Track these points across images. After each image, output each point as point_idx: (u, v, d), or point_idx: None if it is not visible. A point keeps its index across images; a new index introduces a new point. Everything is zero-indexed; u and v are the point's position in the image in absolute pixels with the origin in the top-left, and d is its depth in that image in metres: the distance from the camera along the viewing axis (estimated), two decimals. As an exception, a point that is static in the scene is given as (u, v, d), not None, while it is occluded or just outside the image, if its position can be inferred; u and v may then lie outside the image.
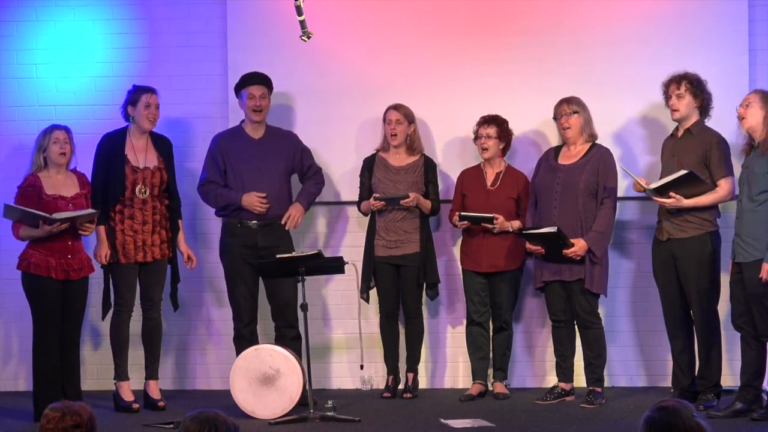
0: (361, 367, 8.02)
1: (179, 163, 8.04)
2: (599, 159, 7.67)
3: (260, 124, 7.94)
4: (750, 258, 7.00)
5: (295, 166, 8.01)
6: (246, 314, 7.87)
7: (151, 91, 7.75)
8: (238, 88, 7.95)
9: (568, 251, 7.50)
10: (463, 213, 7.85)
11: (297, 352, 7.52)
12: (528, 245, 7.68)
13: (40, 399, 7.27)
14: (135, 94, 7.74)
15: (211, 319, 8.55)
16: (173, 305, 7.90)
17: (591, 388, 7.66)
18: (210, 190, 7.92)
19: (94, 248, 7.63)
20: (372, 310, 8.31)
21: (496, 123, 7.93)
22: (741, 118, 7.12)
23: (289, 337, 7.80)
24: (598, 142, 7.80)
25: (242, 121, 8.02)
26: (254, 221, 7.84)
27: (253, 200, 7.79)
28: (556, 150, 7.88)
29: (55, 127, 7.49)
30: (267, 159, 7.89)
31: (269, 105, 7.96)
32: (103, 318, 7.77)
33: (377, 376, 8.39)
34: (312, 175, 8.04)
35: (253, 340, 7.83)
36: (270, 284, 7.85)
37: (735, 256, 7.13)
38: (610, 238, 7.75)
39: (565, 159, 7.77)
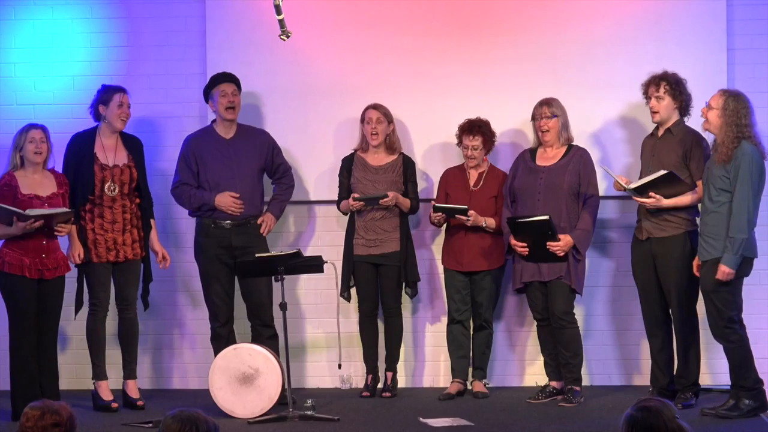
0: (339, 366, 8.02)
1: (155, 163, 8.02)
2: (579, 160, 7.68)
3: (232, 123, 7.90)
4: (708, 256, 7.05)
5: (266, 165, 7.99)
6: (222, 314, 7.86)
7: (122, 90, 7.72)
8: (208, 90, 7.90)
9: (553, 244, 7.51)
10: (437, 204, 7.84)
11: (274, 351, 7.51)
12: (512, 241, 7.66)
13: (17, 398, 7.28)
14: (106, 93, 7.71)
15: (187, 318, 8.54)
16: (144, 305, 7.87)
17: (569, 386, 7.67)
18: (183, 191, 7.89)
19: (68, 248, 7.62)
20: (351, 309, 8.30)
21: (481, 132, 7.88)
22: (704, 119, 7.17)
23: (265, 336, 7.78)
24: (574, 143, 7.81)
25: (213, 122, 7.98)
26: (228, 221, 7.82)
27: (228, 201, 7.77)
28: (532, 152, 7.87)
29: (31, 126, 7.47)
30: (239, 158, 7.86)
31: (240, 104, 7.94)
32: (75, 316, 7.74)
33: (356, 375, 8.38)
34: (281, 176, 8.02)
35: (230, 340, 7.83)
36: (245, 284, 7.84)
37: (699, 254, 7.18)
38: (592, 237, 7.77)
39: (544, 161, 7.76)
